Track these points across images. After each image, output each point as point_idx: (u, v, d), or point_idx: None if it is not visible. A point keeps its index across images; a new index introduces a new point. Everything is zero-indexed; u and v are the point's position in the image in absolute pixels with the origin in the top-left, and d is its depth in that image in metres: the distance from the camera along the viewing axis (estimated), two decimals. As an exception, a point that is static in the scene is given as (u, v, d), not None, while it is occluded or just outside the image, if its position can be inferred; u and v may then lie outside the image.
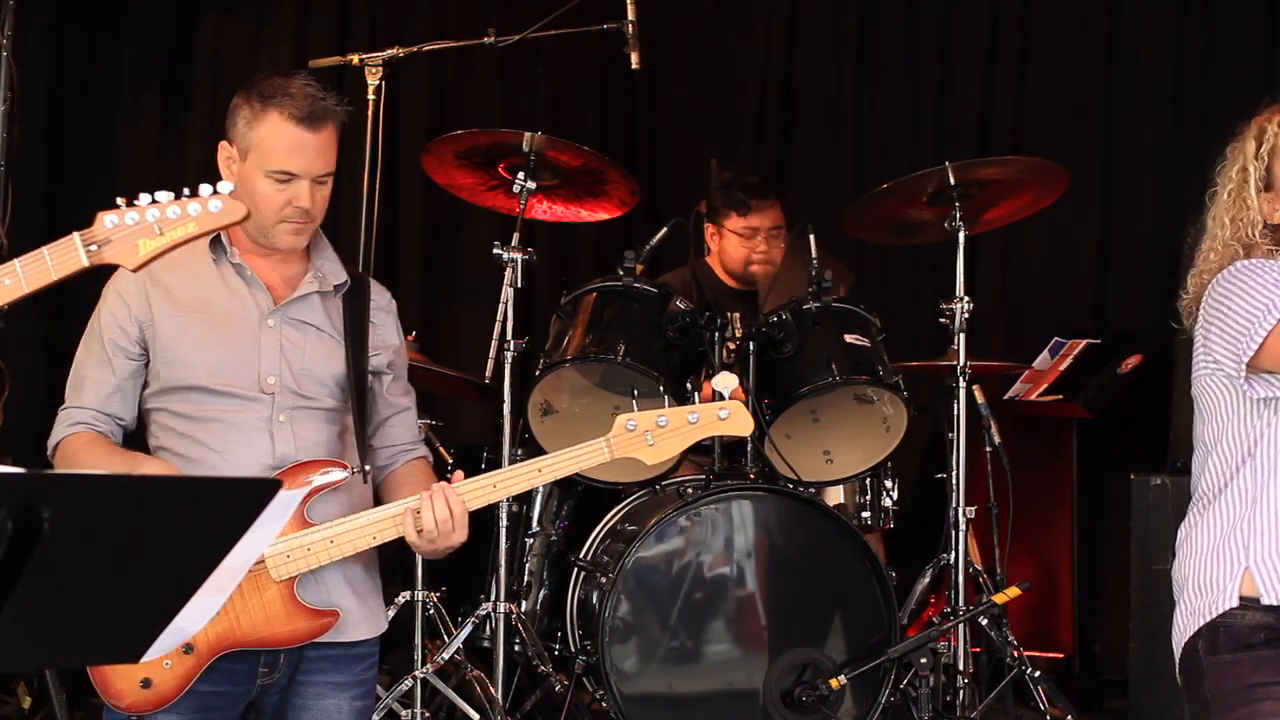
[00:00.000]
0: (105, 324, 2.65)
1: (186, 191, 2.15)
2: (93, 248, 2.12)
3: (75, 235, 2.12)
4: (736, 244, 4.67)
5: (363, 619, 2.66)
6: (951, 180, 4.06)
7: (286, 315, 2.66)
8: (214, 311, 2.64)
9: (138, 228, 2.13)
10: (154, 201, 2.13)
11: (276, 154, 2.59)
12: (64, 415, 2.66)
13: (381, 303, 2.81)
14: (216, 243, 2.66)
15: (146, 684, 2.48)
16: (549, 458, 2.62)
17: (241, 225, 2.60)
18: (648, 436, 2.59)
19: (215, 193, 2.18)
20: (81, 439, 2.62)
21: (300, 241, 2.66)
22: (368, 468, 2.66)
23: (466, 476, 2.63)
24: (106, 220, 2.12)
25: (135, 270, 2.21)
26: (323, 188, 2.63)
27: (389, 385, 2.78)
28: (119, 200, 2.13)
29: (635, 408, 2.64)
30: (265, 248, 2.67)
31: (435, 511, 2.53)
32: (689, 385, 3.95)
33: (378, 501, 2.71)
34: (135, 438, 2.70)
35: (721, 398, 2.64)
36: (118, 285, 2.66)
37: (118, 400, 2.64)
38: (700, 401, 3.94)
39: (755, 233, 4.65)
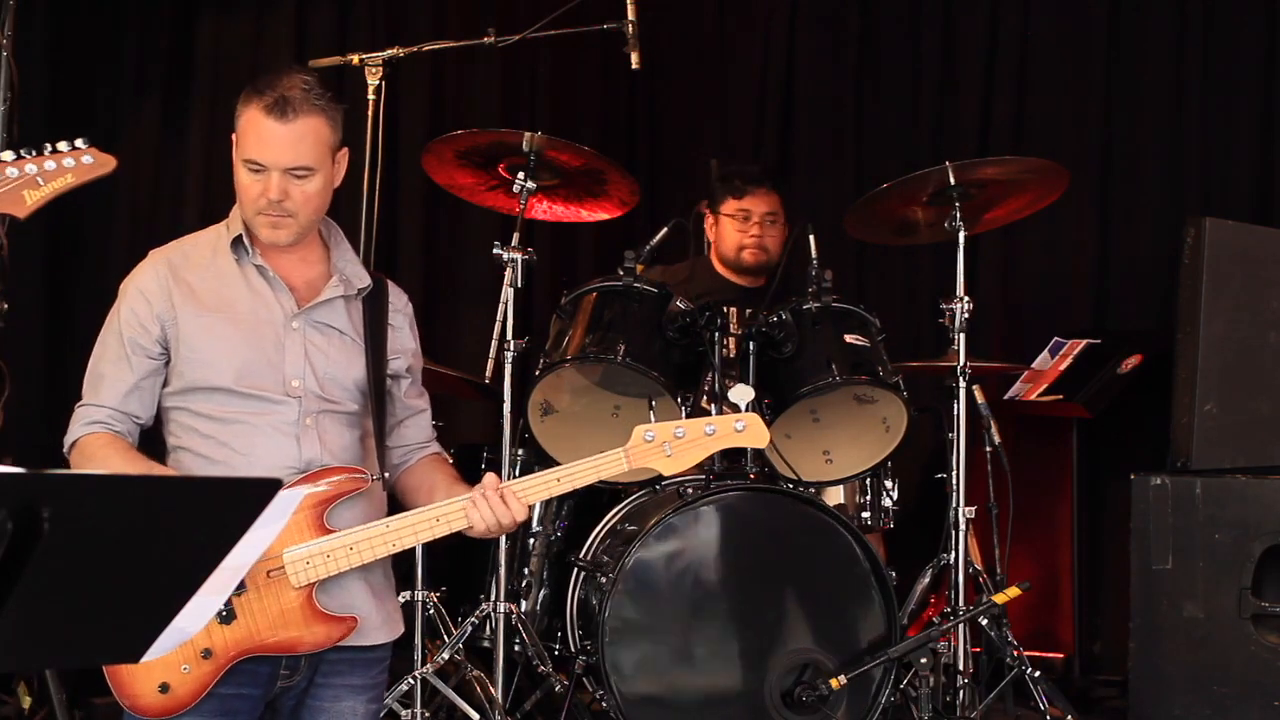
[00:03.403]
0: (125, 320, 2.62)
1: (49, 147, 2.25)
2: None
3: None
4: (730, 228, 4.69)
5: (380, 623, 2.66)
6: (951, 180, 4.06)
7: (311, 318, 2.65)
8: (238, 312, 2.62)
9: (21, 180, 2.23)
10: (21, 157, 2.22)
11: (249, 144, 2.59)
12: (80, 413, 2.63)
13: (399, 305, 2.81)
14: (239, 243, 2.65)
15: (164, 689, 2.47)
16: (568, 468, 2.62)
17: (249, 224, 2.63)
18: (665, 448, 2.62)
19: (76, 148, 2.28)
20: (99, 440, 2.60)
21: (279, 236, 2.62)
22: (386, 475, 2.67)
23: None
24: None
25: (25, 218, 2.26)
26: (300, 182, 2.59)
27: (406, 389, 2.78)
28: None
29: (653, 418, 2.66)
30: (282, 248, 2.65)
31: (483, 515, 2.56)
32: (689, 396, 3.96)
33: (393, 500, 2.71)
34: (153, 435, 2.69)
35: (737, 409, 2.68)
36: (139, 282, 2.64)
37: (135, 399, 2.62)
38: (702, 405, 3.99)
39: (749, 216, 4.67)
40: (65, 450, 2.64)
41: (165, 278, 2.61)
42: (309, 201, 2.62)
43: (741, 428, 2.64)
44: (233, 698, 2.53)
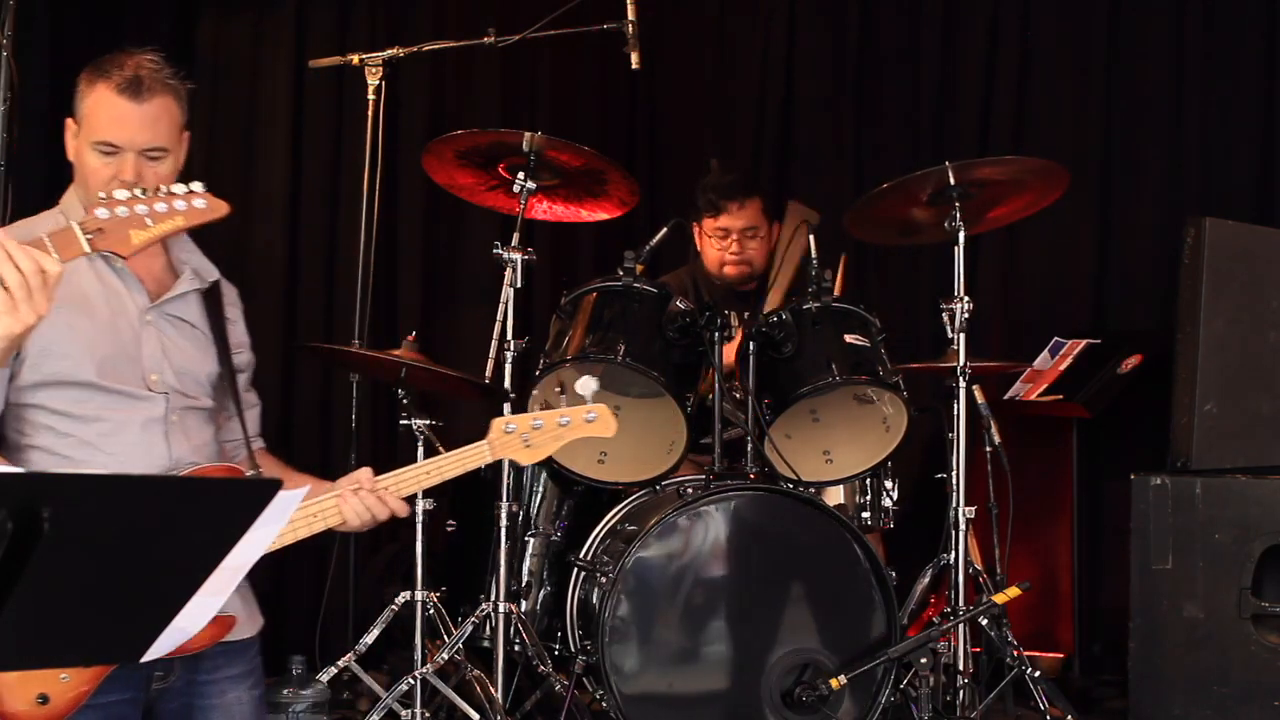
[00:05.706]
0: None
1: (163, 188, 2.22)
2: (90, 236, 2.17)
3: (73, 224, 2.17)
4: (710, 245, 4.71)
5: (247, 618, 2.66)
6: (951, 180, 4.05)
7: (164, 312, 2.60)
8: (93, 305, 2.54)
9: (129, 219, 2.19)
10: (134, 196, 2.20)
11: (100, 124, 2.53)
12: None
13: (232, 298, 2.76)
14: None
15: (44, 700, 2.38)
16: (435, 461, 2.69)
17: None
18: (524, 438, 2.73)
19: (191, 191, 2.24)
20: None
21: None
22: (261, 469, 2.65)
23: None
24: (98, 212, 2.18)
25: (128, 257, 2.22)
26: (155, 164, 2.54)
27: (244, 383, 2.76)
28: (101, 194, 2.19)
29: (506, 412, 2.71)
30: None
31: (358, 510, 2.55)
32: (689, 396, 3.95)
33: None
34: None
35: (584, 401, 2.78)
36: None
37: None
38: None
39: (727, 234, 4.68)
40: None
41: None
42: (162, 184, 2.53)
43: (593, 418, 2.77)
44: (114, 705, 2.47)
